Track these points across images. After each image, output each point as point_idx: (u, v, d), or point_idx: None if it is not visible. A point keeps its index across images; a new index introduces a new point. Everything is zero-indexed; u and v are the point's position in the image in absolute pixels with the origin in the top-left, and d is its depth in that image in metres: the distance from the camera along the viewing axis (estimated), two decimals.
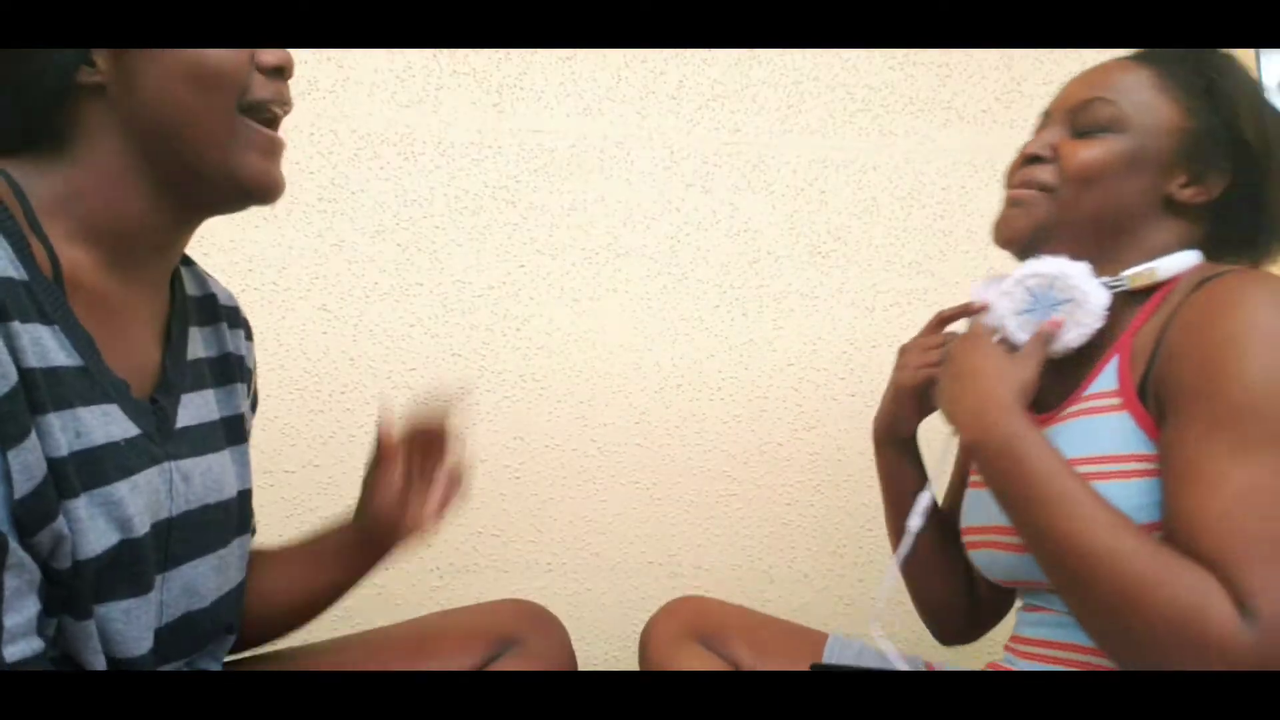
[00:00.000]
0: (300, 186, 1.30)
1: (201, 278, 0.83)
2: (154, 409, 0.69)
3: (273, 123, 0.72)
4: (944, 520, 1.00)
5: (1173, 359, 0.73)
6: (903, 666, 0.90)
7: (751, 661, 0.92)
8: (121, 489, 0.63)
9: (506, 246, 1.35)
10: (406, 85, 1.35)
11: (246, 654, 0.86)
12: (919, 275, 1.43)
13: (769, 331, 1.39)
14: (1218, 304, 0.72)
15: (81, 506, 0.60)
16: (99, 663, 0.63)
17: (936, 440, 0.94)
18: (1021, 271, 0.84)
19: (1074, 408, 0.81)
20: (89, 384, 0.62)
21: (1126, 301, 0.81)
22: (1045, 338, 0.82)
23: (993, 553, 0.86)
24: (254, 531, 0.89)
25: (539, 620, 0.91)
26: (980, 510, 0.88)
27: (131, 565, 0.64)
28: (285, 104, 0.72)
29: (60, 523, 0.58)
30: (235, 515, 0.78)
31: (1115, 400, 0.77)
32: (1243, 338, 0.69)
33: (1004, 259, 0.89)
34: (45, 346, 0.59)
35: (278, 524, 1.26)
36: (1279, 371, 0.67)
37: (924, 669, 0.96)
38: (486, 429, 1.31)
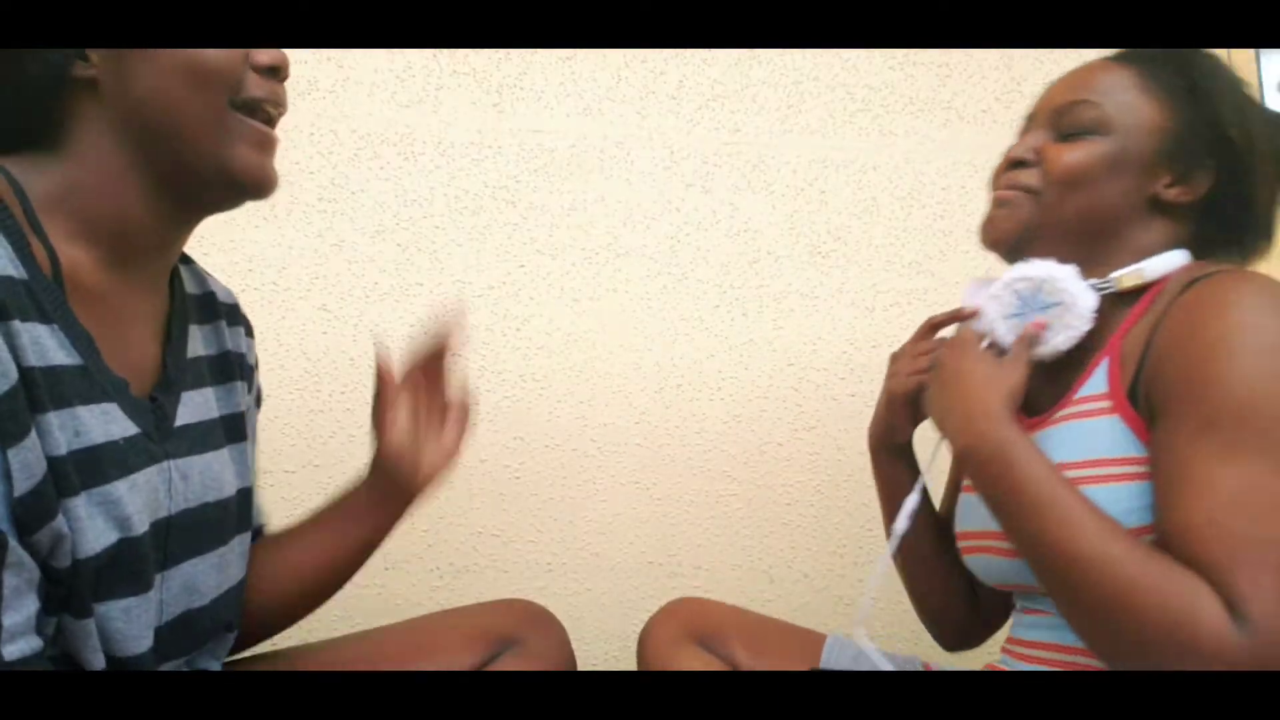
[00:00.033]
0: (300, 186, 1.30)
1: (200, 276, 0.83)
2: (153, 407, 0.69)
3: (267, 123, 0.72)
4: (942, 525, 1.00)
5: (1162, 361, 0.72)
6: (887, 667, 0.90)
7: (749, 662, 0.92)
8: (120, 488, 0.63)
9: (506, 246, 1.35)
10: (406, 85, 1.35)
11: (246, 654, 0.86)
12: (919, 275, 1.43)
13: (769, 331, 1.39)
14: (1206, 305, 0.71)
15: (80, 505, 0.60)
16: (98, 661, 0.63)
17: (926, 443, 0.94)
18: (1010, 275, 0.84)
19: (1065, 411, 0.81)
20: (88, 383, 0.62)
21: (1115, 303, 0.81)
22: (1029, 340, 0.82)
23: (987, 558, 0.86)
24: (264, 526, 0.89)
25: (538, 620, 0.91)
26: (973, 515, 0.88)
27: (131, 564, 0.64)
28: (280, 104, 0.73)
29: (59, 521, 0.58)
30: (235, 513, 0.78)
31: (1105, 403, 0.77)
32: (1232, 339, 0.68)
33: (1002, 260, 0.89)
34: (44, 345, 0.59)
35: (278, 524, 1.25)
36: (1268, 373, 0.67)
37: (921, 669, 0.96)
38: (486, 429, 1.31)
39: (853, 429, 1.38)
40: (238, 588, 0.79)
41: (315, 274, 1.30)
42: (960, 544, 0.92)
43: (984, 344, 0.85)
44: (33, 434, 0.56)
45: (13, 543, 0.55)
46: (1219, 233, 0.84)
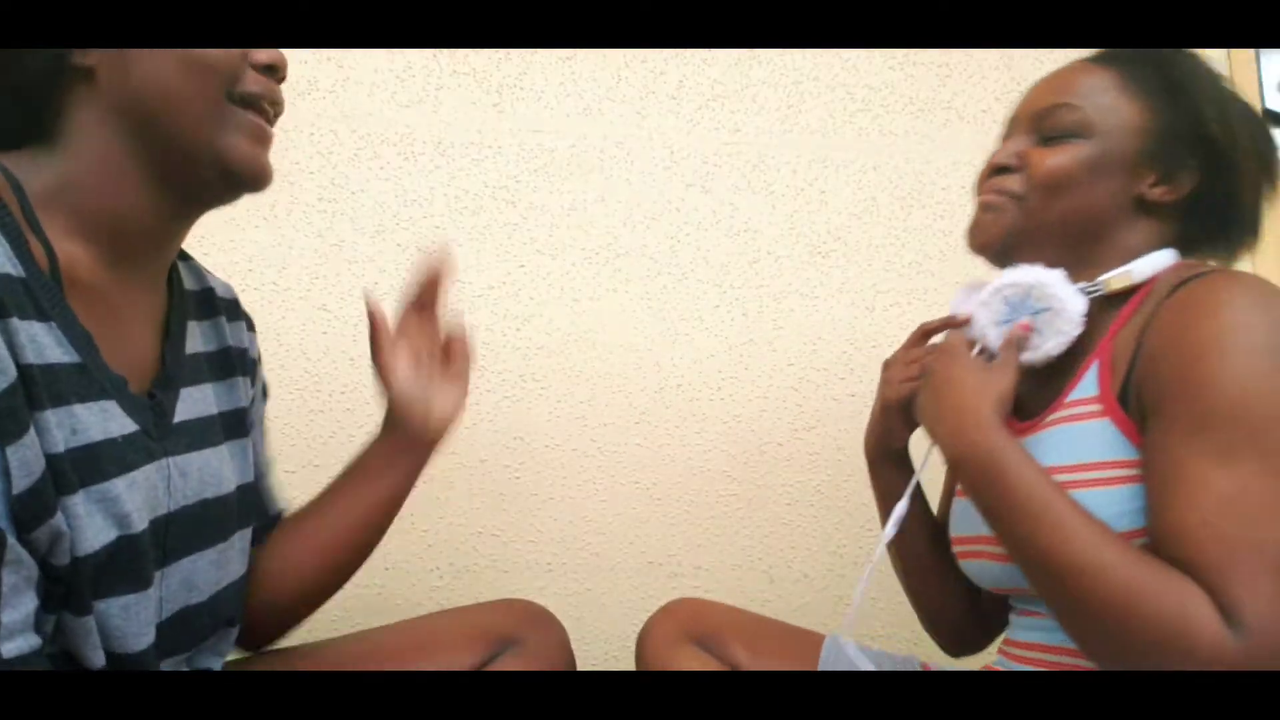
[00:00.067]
0: (300, 186, 1.30)
1: (199, 272, 0.83)
2: (151, 404, 0.69)
3: (263, 119, 0.72)
4: (938, 530, 0.99)
5: (1153, 362, 0.72)
6: (868, 667, 0.90)
7: (748, 663, 0.92)
8: (119, 485, 0.63)
9: (506, 246, 1.35)
10: (406, 85, 1.35)
11: (244, 654, 0.86)
12: (919, 275, 1.43)
13: (769, 331, 1.39)
14: (1196, 306, 0.71)
15: (79, 503, 0.60)
16: (99, 659, 0.63)
17: (920, 449, 0.93)
18: (999, 281, 0.84)
19: (1056, 415, 0.80)
20: (86, 381, 0.62)
21: (1104, 306, 0.81)
22: (1016, 343, 0.82)
23: (981, 563, 0.86)
24: (284, 511, 0.88)
25: (538, 620, 0.91)
26: (967, 521, 0.88)
27: (130, 561, 0.64)
28: (276, 103, 0.73)
29: (58, 519, 0.58)
30: (235, 509, 0.78)
31: (1096, 407, 0.77)
32: (1223, 340, 0.68)
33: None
34: (42, 343, 0.59)
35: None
36: (1259, 373, 0.66)
37: (919, 669, 0.96)
38: (486, 429, 1.31)
39: (853, 429, 1.38)
40: (238, 583, 0.79)
41: (315, 274, 1.30)
42: (955, 549, 0.92)
43: (975, 351, 0.85)
44: (31, 432, 0.56)
45: (11, 540, 0.55)
46: (1205, 230, 0.84)
